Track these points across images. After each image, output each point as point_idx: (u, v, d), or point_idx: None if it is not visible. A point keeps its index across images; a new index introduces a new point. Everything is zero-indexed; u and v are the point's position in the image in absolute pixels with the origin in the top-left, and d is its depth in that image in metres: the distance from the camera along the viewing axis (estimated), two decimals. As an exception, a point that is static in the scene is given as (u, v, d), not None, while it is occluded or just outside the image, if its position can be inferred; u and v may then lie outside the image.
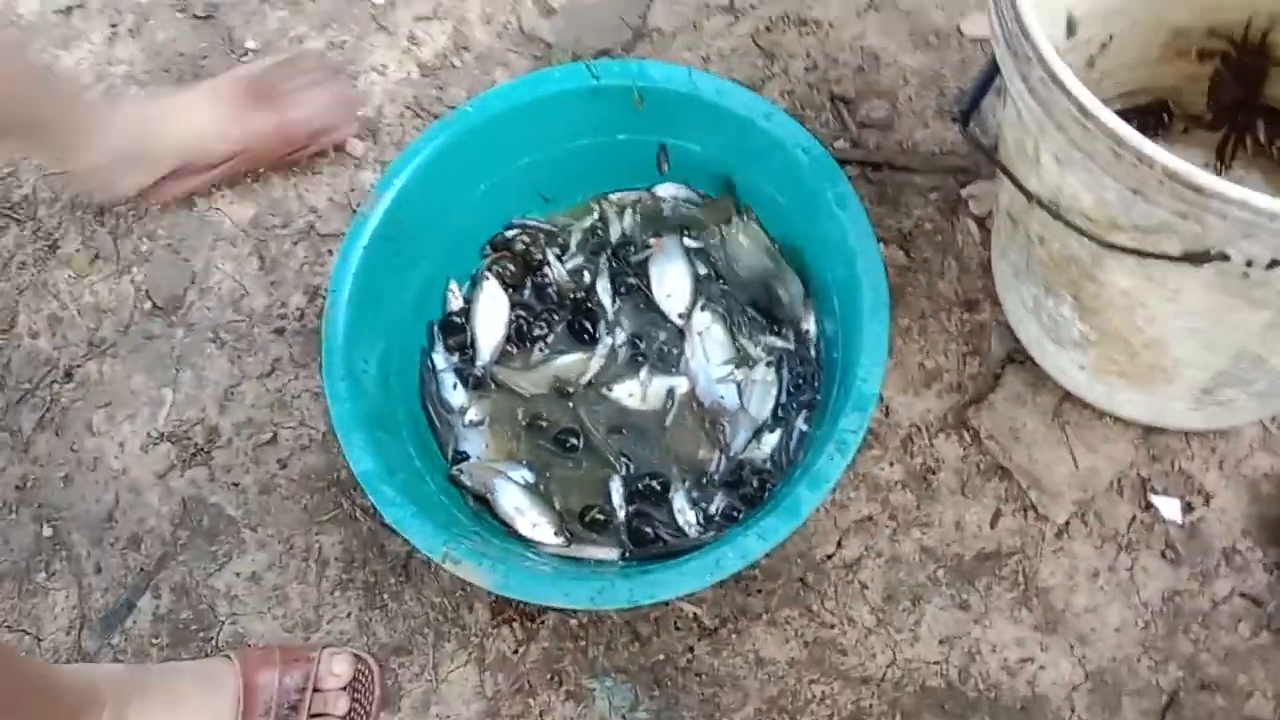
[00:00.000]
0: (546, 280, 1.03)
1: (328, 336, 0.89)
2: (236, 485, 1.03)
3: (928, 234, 1.07)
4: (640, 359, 1.00)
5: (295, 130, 1.12)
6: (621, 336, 1.01)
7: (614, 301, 1.02)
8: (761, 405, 0.96)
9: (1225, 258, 0.64)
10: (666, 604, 0.95)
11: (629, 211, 1.06)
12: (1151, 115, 1.00)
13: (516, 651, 0.95)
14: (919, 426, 1.00)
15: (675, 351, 1.00)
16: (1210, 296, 0.72)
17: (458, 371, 1.00)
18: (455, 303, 1.03)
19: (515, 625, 0.96)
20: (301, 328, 1.09)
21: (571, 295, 1.03)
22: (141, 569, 1.00)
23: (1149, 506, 0.96)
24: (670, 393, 0.98)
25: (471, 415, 0.99)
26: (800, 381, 0.97)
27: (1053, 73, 0.65)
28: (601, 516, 0.94)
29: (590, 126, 0.99)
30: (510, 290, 1.03)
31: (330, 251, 1.11)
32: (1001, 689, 0.91)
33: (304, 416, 1.05)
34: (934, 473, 0.98)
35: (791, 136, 0.93)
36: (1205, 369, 0.82)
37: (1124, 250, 0.69)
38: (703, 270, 1.03)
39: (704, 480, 0.95)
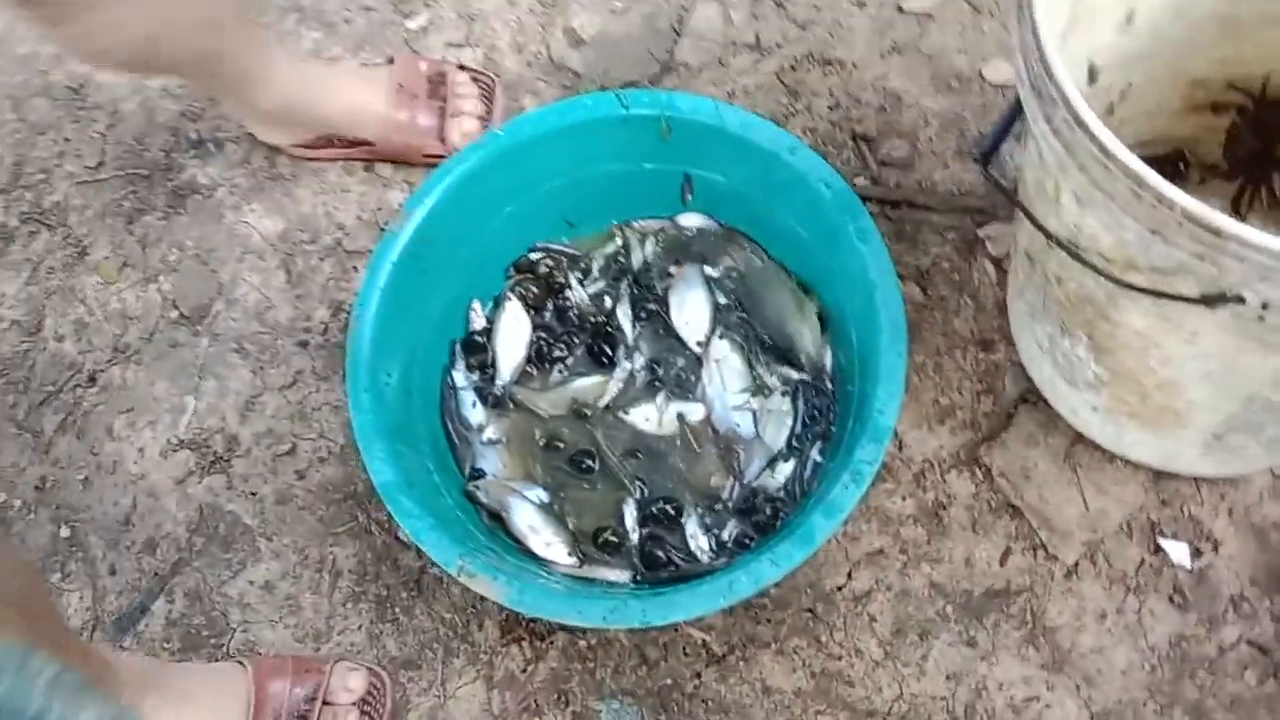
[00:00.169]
0: (568, 303, 1.05)
1: (353, 348, 0.90)
2: (254, 494, 1.04)
3: (945, 272, 1.09)
4: (658, 384, 1.01)
5: (439, 145, 1.14)
6: (640, 361, 1.02)
7: (634, 327, 1.04)
8: (777, 434, 0.97)
9: (1241, 300, 0.65)
10: (675, 629, 0.95)
11: (651, 239, 1.08)
12: (1169, 165, 1.01)
13: (525, 670, 0.95)
14: (931, 462, 1.01)
15: (692, 378, 1.01)
16: (1224, 339, 0.73)
17: (477, 390, 1.02)
18: (478, 322, 1.04)
19: (524, 644, 0.96)
20: (325, 342, 1.10)
21: (592, 319, 1.04)
22: (156, 573, 1.01)
23: (1158, 550, 0.97)
24: (684, 418, 0.99)
25: (489, 433, 1.00)
26: (815, 413, 0.98)
27: (1077, 114, 0.66)
28: (614, 539, 0.95)
29: (617, 154, 1.01)
30: (532, 312, 1.04)
31: (356, 268, 1.13)
32: (1007, 726, 0.92)
33: (323, 429, 1.06)
34: (945, 508, 0.99)
35: (815, 171, 0.95)
36: (1216, 412, 0.83)
37: (1140, 290, 0.70)
38: (722, 300, 1.04)
39: (717, 506, 0.96)
